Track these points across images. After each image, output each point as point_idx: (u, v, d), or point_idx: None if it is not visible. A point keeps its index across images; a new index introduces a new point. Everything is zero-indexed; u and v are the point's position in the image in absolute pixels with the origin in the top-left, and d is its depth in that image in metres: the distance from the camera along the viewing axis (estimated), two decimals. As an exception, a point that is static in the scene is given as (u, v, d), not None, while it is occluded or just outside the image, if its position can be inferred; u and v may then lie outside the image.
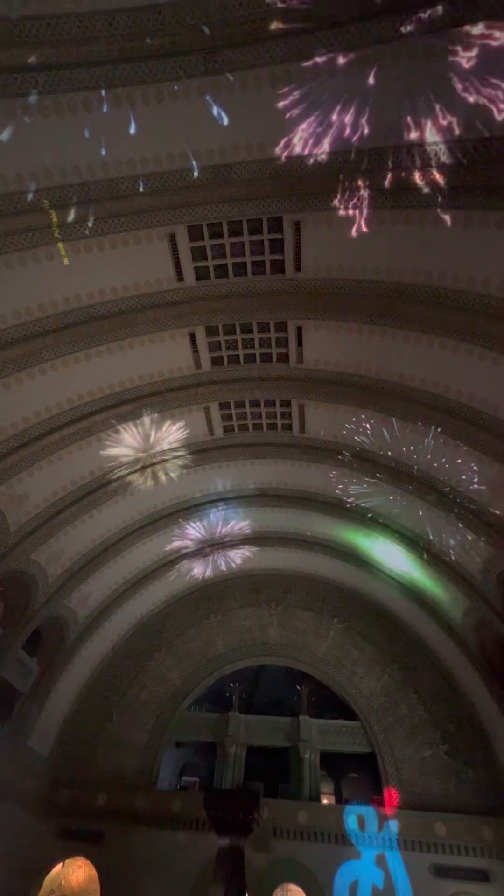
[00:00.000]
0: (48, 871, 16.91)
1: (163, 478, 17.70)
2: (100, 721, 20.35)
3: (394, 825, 16.61)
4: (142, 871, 16.31)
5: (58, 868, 17.23)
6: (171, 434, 16.33)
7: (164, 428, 16.04)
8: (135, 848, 16.85)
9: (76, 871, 17.59)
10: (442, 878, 15.61)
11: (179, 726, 20.68)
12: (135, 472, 16.85)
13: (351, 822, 16.84)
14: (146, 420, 15.53)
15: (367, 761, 19.82)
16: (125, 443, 15.81)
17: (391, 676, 20.51)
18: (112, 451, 15.92)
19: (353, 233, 10.96)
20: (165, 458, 17.06)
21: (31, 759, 18.12)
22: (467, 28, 7.79)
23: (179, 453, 17.13)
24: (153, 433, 16.06)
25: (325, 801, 20.00)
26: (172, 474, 17.69)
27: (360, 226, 10.90)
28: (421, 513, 16.23)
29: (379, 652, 21.17)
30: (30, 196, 10.10)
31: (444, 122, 8.84)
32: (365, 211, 10.62)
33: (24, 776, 17.36)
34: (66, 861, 17.32)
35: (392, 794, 17.70)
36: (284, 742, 20.08)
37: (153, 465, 17.03)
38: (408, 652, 20.83)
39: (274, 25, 8.32)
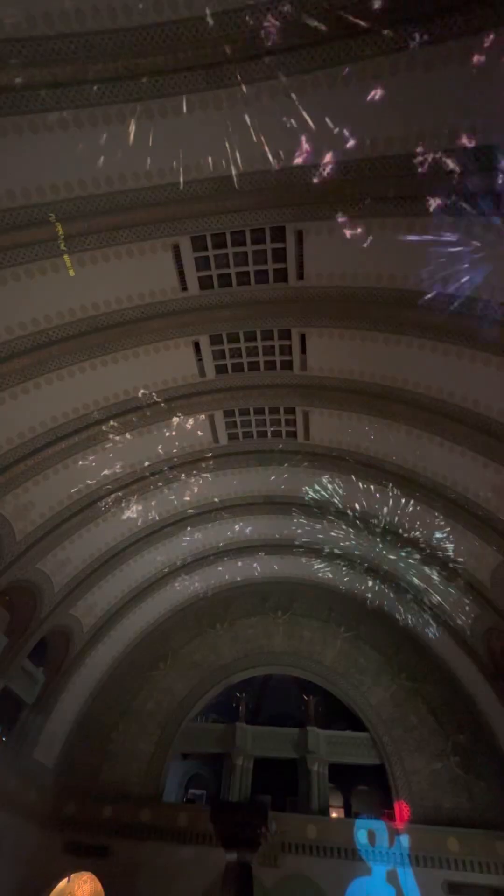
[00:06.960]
0: (54, 886, 16.69)
1: (168, 487, 17.76)
2: (105, 732, 20.19)
3: (405, 840, 16.23)
4: (148, 886, 16.06)
5: (63, 882, 17.01)
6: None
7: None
8: (141, 862, 16.62)
9: (82, 885, 17.36)
10: (455, 895, 15.22)
11: (185, 737, 20.45)
12: (140, 481, 16.91)
13: (361, 836, 16.48)
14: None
15: (376, 773, 19.49)
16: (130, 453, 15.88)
17: (400, 686, 20.20)
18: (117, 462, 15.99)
19: (355, 241, 11.04)
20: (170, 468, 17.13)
21: (37, 770, 17.98)
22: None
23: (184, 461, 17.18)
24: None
25: (334, 815, 19.64)
26: (178, 484, 17.73)
27: (363, 234, 11.00)
28: (428, 519, 16.13)
29: (387, 661, 20.89)
30: (35, 210, 10.29)
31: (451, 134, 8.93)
32: (367, 219, 10.72)
33: (29, 788, 17.21)
34: (72, 875, 17.09)
35: (403, 808, 17.33)
36: (292, 753, 19.79)
37: (158, 474, 17.08)
38: (416, 661, 20.53)
39: (275, 41, 8.47)
